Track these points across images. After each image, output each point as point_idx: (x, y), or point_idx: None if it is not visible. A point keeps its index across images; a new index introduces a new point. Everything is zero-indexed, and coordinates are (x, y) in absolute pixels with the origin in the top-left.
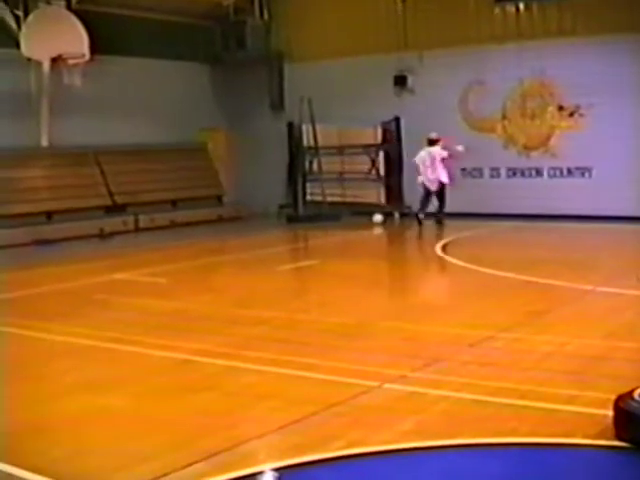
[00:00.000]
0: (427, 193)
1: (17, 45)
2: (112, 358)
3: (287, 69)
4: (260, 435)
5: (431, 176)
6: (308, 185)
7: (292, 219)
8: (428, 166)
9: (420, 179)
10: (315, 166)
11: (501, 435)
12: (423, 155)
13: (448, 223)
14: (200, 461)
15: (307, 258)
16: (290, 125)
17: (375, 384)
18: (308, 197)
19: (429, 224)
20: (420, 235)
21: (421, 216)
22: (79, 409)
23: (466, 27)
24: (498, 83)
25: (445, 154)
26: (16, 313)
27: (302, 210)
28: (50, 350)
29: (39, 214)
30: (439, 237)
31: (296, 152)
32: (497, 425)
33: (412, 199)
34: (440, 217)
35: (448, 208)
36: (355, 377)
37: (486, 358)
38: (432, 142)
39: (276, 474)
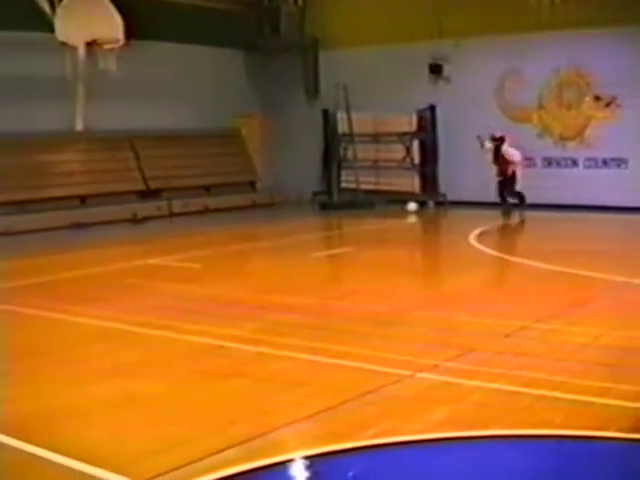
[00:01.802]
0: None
1: (51, 29)
2: (145, 343)
3: (322, 56)
4: (292, 422)
5: None
6: (342, 172)
7: (326, 206)
8: None
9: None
10: (350, 153)
11: (534, 427)
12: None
13: (481, 212)
14: (233, 447)
15: (341, 245)
16: (325, 112)
17: (408, 373)
18: (342, 184)
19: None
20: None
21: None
22: (114, 393)
23: (502, 15)
24: (534, 72)
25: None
26: (51, 297)
27: (336, 197)
28: (85, 334)
29: (74, 198)
30: (471, 227)
31: (331, 139)
32: (530, 417)
33: (447, 188)
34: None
35: (481, 196)
36: (388, 366)
37: (520, 348)
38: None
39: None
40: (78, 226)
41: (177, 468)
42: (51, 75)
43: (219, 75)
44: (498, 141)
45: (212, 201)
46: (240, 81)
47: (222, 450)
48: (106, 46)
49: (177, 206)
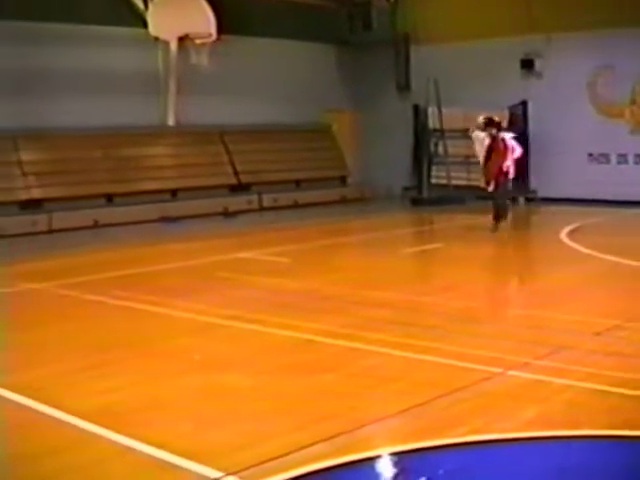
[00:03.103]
0: None
1: (144, 25)
2: (235, 336)
3: (413, 50)
4: (382, 418)
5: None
6: (433, 168)
7: (416, 202)
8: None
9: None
10: (440, 149)
11: (626, 427)
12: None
13: (573, 209)
14: (321, 442)
15: (431, 241)
16: (416, 107)
17: (498, 370)
18: (433, 180)
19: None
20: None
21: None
22: (203, 386)
23: (595, 10)
24: (627, 67)
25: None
26: (141, 289)
27: (426, 193)
28: (175, 326)
29: (165, 192)
30: (562, 224)
31: (421, 134)
32: (622, 417)
33: (537, 184)
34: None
35: (573, 193)
36: (478, 363)
37: (612, 347)
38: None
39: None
40: (168, 219)
41: (263, 462)
42: (143, 70)
43: (310, 70)
44: (494, 127)
45: (302, 195)
46: (331, 76)
47: (309, 445)
48: (198, 41)
49: (267, 200)
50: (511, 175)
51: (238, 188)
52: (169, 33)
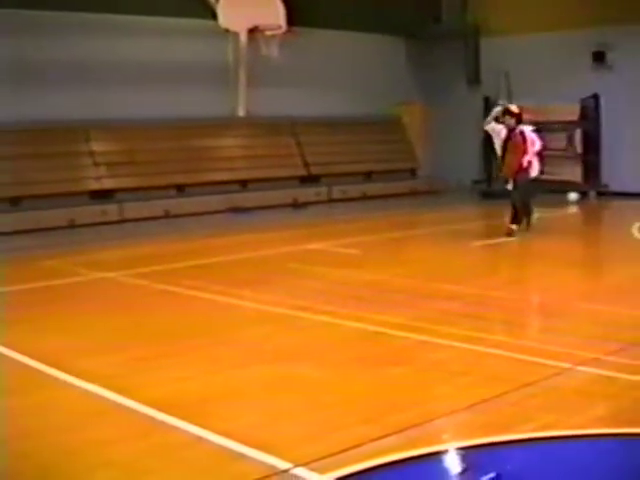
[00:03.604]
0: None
1: (214, 16)
2: (304, 327)
3: (483, 43)
4: (450, 412)
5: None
6: None
7: (486, 195)
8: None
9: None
10: None
11: None
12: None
13: None
14: (390, 435)
15: (501, 234)
16: (486, 100)
17: (567, 366)
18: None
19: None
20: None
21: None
22: (272, 377)
23: None
24: None
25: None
26: (212, 279)
27: (496, 186)
28: (244, 317)
29: (235, 182)
30: (633, 218)
31: None
32: None
33: (609, 178)
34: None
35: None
36: (547, 357)
37: None
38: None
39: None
40: (238, 210)
41: (332, 455)
42: (214, 61)
43: (380, 62)
44: (514, 117)
45: (371, 188)
46: (401, 69)
47: (378, 438)
48: (268, 33)
49: (336, 192)
50: (534, 172)
51: (308, 179)
52: (239, 25)
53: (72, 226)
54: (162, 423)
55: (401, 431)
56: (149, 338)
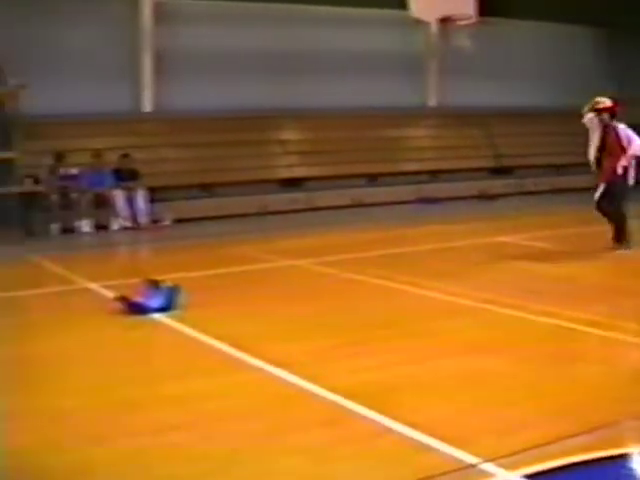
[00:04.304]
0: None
1: (405, 6)
2: (492, 320)
3: None
4: None
5: None
6: None
7: None
8: None
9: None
10: None
11: None
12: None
13: None
14: (582, 434)
15: None
16: None
17: None
18: None
19: None
20: None
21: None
22: (460, 369)
23: None
24: None
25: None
26: (400, 269)
27: None
28: (432, 308)
29: (424, 173)
30: None
31: None
32: None
33: None
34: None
35: None
36: None
37: None
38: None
39: None
40: (427, 200)
41: (521, 451)
42: (404, 52)
43: (572, 53)
44: (606, 111)
45: (562, 180)
46: (598, 60)
47: (571, 436)
48: (459, 23)
49: (527, 184)
50: (630, 180)
51: (498, 171)
52: (430, 15)
53: (262, 213)
54: (350, 411)
55: (592, 430)
56: (337, 326)
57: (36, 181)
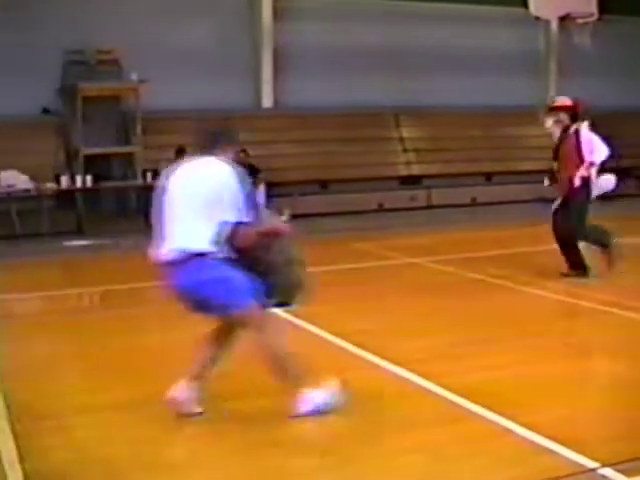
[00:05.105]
0: None
1: (525, 4)
2: (614, 323)
3: None
4: None
5: None
6: None
7: None
8: None
9: None
10: None
11: None
12: None
13: None
14: None
15: None
16: None
17: None
18: None
19: None
20: None
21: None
22: (582, 372)
23: None
24: None
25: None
26: (518, 269)
27: None
28: (551, 309)
29: (542, 172)
30: None
31: None
32: None
33: None
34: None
35: None
36: None
37: None
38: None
39: None
40: (546, 200)
41: None
42: (523, 50)
43: None
44: (567, 112)
45: None
46: None
47: None
48: (580, 20)
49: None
50: (593, 193)
51: (614, 171)
52: (550, 13)
53: (381, 210)
54: (468, 411)
55: None
56: (455, 325)
57: (156, 175)
